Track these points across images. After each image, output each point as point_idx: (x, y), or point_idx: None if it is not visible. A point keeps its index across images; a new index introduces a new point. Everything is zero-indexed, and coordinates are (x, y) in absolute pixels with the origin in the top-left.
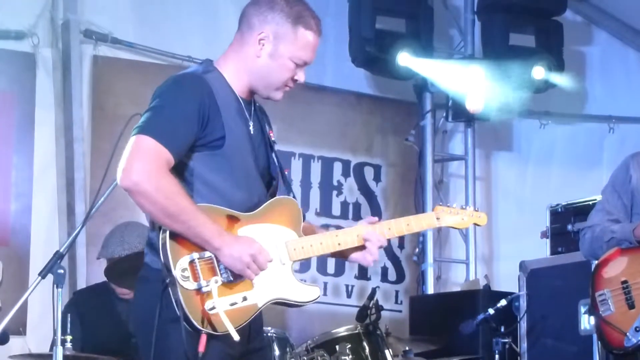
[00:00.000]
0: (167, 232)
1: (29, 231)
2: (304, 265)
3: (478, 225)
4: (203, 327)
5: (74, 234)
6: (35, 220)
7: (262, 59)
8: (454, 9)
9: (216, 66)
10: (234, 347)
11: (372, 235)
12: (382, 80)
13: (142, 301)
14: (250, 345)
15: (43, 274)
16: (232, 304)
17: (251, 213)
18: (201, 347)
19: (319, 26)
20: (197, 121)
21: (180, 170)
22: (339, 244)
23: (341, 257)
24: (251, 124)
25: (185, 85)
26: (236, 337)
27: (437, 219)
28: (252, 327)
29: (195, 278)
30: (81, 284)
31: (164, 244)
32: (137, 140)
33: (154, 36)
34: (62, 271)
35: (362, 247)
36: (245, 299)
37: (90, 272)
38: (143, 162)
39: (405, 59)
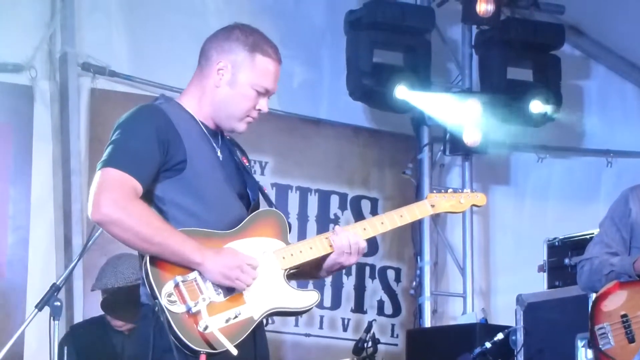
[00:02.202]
0: (147, 261)
1: (26, 263)
2: None
3: (477, 206)
4: (200, 348)
5: (70, 267)
6: (32, 253)
7: (221, 88)
8: (452, 42)
9: (176, 100)
10: None
11: (341, 236)
12: (379, 113)
13: (138, 335)
14: None
15: (40, 307)
16: (226, 321)
17: (232, 230)
18: None
19: (278, 54)
20: (157, 146)
21: (152, 201)
22: (330, 246)
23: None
24: (218, 150)
25: (141, 114)
26: (234, 351)
27: (432, 206)
28: (258, 355)
29: (183, 300)
30: (78, 317)
31: (147, 273)
32: (101, 174)
33: (151, 69)
34: (58, 303)
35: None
36: (238, 314)
37: (87, 304)
38: (110, 192)
39: (403, 92)
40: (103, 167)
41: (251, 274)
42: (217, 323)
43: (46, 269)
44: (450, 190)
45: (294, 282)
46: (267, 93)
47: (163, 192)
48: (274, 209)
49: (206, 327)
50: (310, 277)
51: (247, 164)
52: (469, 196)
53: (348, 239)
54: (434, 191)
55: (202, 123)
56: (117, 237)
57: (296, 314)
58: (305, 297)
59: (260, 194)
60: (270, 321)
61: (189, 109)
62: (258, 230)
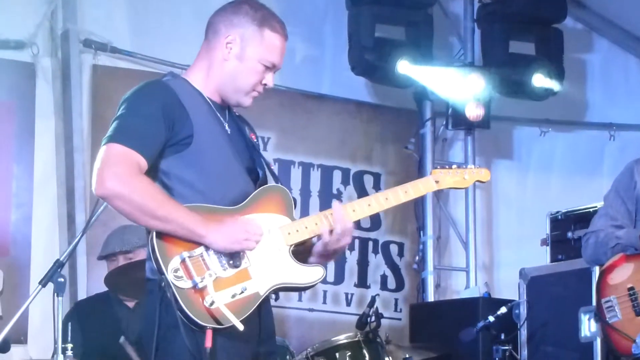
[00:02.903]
0: (153, 236)
1: (29, 240)
2: None
3: (481, 181)
4: (207, 323)
5: (74, 243)
6: (35, 230)
7: (229, 62)
8: (454, 16)
9: (183, 76)
10: (245, 348)
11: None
12: (381, 88)
13: (145, 311)
14: (262, 348)
15: (43, 283)
16: (232, 296)
17: (238, 206)
18: (208, 343)
19: (285, 30)
20: (162, 121)
21: (157, 176)
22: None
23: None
24: (226, 124)
25: (146, 90)
26: (240, 327)
27: (436, 182)
28: (263, 330)
29: (189, 276)
30: (81, 292)
31: (153, 248)
32: (106, 149)
33: (153, 45)
34: (62, 280)
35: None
36: (244, 289)
37: (91, 280)
38: (114, 167)
39: (405, 67)
40: (107, 142)
41: (257, 231)
42: (223, 298)
43: (49, 245)
44: (454, 166)
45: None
46: (273, 68)
47: (169, 168)
48: (280, 185)
49: (212, 303)
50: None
51: (255, 140)
52: (473, 172)
53: (343, 222)
54: (438, 167)
55: (209, 99)
56: (121, 211)
57: (301, 289)
58: (311, 273)
59: (267, 170)
60: (274, 297)
61: (196, 84)
62: (263, 206)
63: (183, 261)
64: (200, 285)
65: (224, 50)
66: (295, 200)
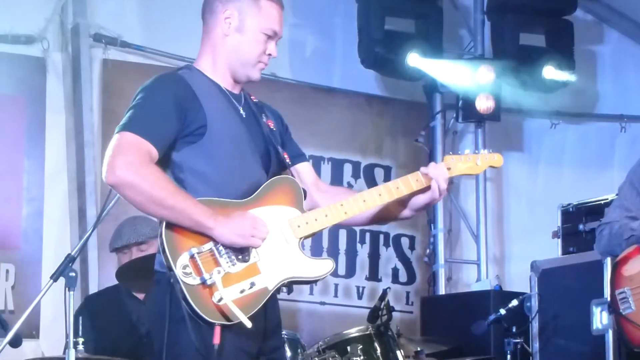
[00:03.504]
0: (163, 229)
1: (40, 235)
2: None
3: (494, 167)
4: (215, 320)
5: (85, 237)
6: (46, 224)
7: (230, 36)
8: (464, 9)
9: (194, 66)
10: (250, 343)
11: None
12: (391, 81)
13: (154, 305)
14: (267, 342)
15: (55, 277)
16: (241, 292)
17: (248, 199)
18: (216, 339)
19: None
20: (174, 112)
21: (170, 168)
22: (345, 213)
23: (386, 217)
24: (240, 108)
25: (160, 81)
26: (248, 324)
27: (449, 169)
28: (269, 324)
29: (198, 272)
30: (93, 287)
31: (162, 243)
32: (118, 138)
33: (163, 39)
34: (73, 274)
35: (390, 209)
36: (253, 284)
37: (102, 274)
38: (125, 155)
39: (415, 59)
40: (119, 130)
41: (263, 229)
42: (232, 294)
43: (61, 240)
44: (466, 151)
45: (308, 251)
46: (275, 36)
47: (182, 160)
48: (289, 176)
49: (220, 299)
50: (393, 218)
51: (271, 127)
52: (485, 157)
53: (443, 173)
54: (450, 153)
55: (225, 88)
56: (131, 200)
57: (311, 282)
58: (320, 266)
59: (279, 159)
60: (286, 290)
61: (207, 71)
62: (273, 198)
63: (192, 257)
64: (209, 282)
65: (223, 26)
66: (305, 191)
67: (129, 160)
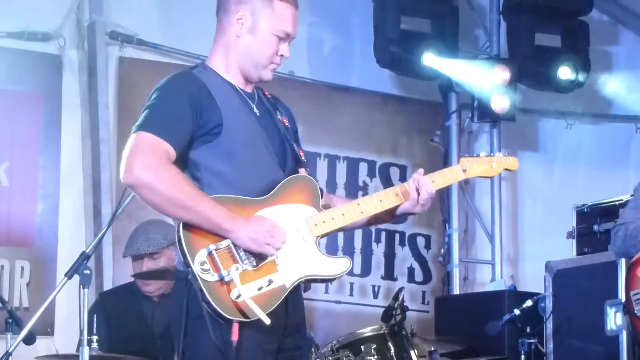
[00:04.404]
0: (180, 227)
1: (56, 232)
2: None
3: (509, 170)
4: (233, 316)
5: (100, 235)
6: (62, 221)
7: (243, 37)
8: (480, 9)
9: (207, 64)
10: (269, 340)
11: (420, 182)
12: (407, 80)
13: (173, 301)
14: (288, 339)
15: (69, 275)
16: (259, 289)
17: (265, 197)
18: (234, 336)
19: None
20: (190, 111)
21: (187, 167)
22: (361, 212)
23: (379, 220)
24: (254, 106)
25: (174, 80)
26: (267, 320)
27: (464, 170)
28: (290, 321)
29: (216, 269)
30: (107, 284)
31: (179, 240)
32: (135, 138)
33: (180, 37)
34: (88, 272)
35: (390, 211)
36: (271, 281)
37: (117, 272)
38: (143, 156)
39: (430, 59)
40: (137, 130)
41: (280, 238)
42: (250, 291)
43: (76, 237)
44: (482, 154)
45: (331, 243)
46: (287, 38)
47: (199, 159)
48: (306, 174)
49: (239, 296)
50: (380, 222)
51: (286, 124)
52: (501, 160)
53: (427, 191)
54: (466, 155)
55: (238, 87)
56: (148, 200)
57: (328, 281)
58: (337, 264)
59: (295, 157)
60: (303, 287)
61: (219, 70)
62: (290, 196)
63: (210, 254)
64: (226, 279)
65: (236, 27)
66: (322, 189)
67: (147, 161)
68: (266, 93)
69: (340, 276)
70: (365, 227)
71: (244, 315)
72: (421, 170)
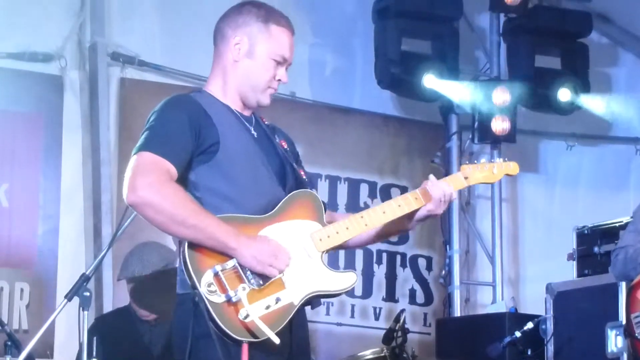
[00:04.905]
0: (185, 248)
1: (56, 253)
2: None
3: (510, 175)
4: (242, 337)
5: (100, 256)
6: (62, 243)
7: (240, 62)
8: (480, 31)
9: (205, 89)
10: (277, 359)
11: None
12: (408, 101)
13: (176, 324)
14: (294, 359)
15: (69, 297)
16: (267, 308)
17: (268, 214)
18: (244, 357)
19: (290, 24)
20: (189, 130)
21: (186, 188)
22: (365, 225)
23: (391, 233)
24: (252, 128)
25: (174, 101)
26: (276, 340)
27: (466, 178)
28: (295, 340)
29: (223, 290)
30: (107, 306)
31: (185, 262)
32: (137, 158)
33: (181, 58)
34: (87, 294)
35: (396, 222)
36: (278, 299)
37: (117, 294)
38: (145, 175)
39: (431, 80)
40: (138, 151)
41: (284, 260)
42: (258, 311)
43: (76, 258)
44: (483, 160)
45: (334, 256)
46: (285, 62)
47: (197, 178)
48: (309, 190)
49: (247, 316)
50: (401, 231)
51: (285, 147)
52: (501, 165)
53: (443, 190)
54: (467, 162)
55: (234, 110)
56: (152, 220)
57: (335, 296)
58: (344, 279)
59: (297, 175)
60: (318, 304)
61: (217, 94)
62: (294, 212)
63: (216, 275)
64: (234, 299)
65: (233, 51)
66: (325, 204)
67: (150, 181)
68: (264, 120)
69: (348, 290)
70: (382, 240)
71: (253, 335)
72: (432, 176)
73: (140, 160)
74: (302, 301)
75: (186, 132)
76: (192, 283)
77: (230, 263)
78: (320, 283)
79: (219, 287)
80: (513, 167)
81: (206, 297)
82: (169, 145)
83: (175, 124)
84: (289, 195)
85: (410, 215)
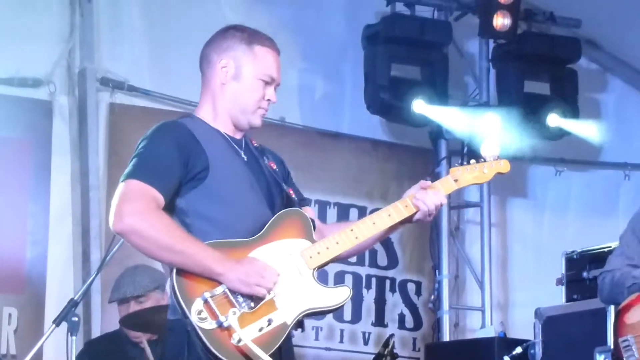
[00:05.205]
0: (174, 276)
1: (44, 278)
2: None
3: (502, 173)
4: None
5: (88, 282)
6: (50, 268)
7: (228, 85)
8: (469, 56)
9: (195, 114)
10: None
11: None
12: (397, 127)
13: (169, 352)
14: None
15: (57, 322)
16: (259, 330)
17: (256, 236)
18: None
19: (275, 45)
20: (177, 157)
21: (175, 215)
22: (356, 238)
23: (383, 236)
24: (242, 152)
25: (163, 129)
26: None
27: (455, 180)
28: None
29: (214, 316)
30: (96, 331)
31: (174, 291)
32: (124, 186)
33: (170, 84)
34: (76, 319)
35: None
36: (270, 321)
37: (105, 318)
38: (132, 203)
39: (420, 106)
40: (125, 179)
41: (271, 278)
42: (250, 334)
43: (64, 283)
44: (472, 161)
45: (323, 281)
46: (272, 82)
47: (187, 204)
48: (296, 208)
49: (239, 340)
50: (393, 232)
51: (274, 168)
52: (492, 165)
53: (433, 202)
54: (457, 165)
55: (224, 133)
56: (138, 247)
57: (329, 312)
58: (337, 294)
59: (283, 196)
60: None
61: (207, 119)
62: (282, 232)
63: (206, 302)
64: (225, 324)
65: (220, 76)
66: (313, 221)
67: (136, 208)
68: (254, 142)
69: (342, 305)
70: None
71: (248, 358)
72: (422, 182)
73: (127, 187)
74: (295, 320)
75: (175, 159)
76: (183, 312)
77: (220, 289)
78: (313, 300)
79: (210, 314)
80: (504, 165)
81: (197, 326)
82: (156, 172)
83: (163, 152)
84: (276, 215)
85: (402, 221)
